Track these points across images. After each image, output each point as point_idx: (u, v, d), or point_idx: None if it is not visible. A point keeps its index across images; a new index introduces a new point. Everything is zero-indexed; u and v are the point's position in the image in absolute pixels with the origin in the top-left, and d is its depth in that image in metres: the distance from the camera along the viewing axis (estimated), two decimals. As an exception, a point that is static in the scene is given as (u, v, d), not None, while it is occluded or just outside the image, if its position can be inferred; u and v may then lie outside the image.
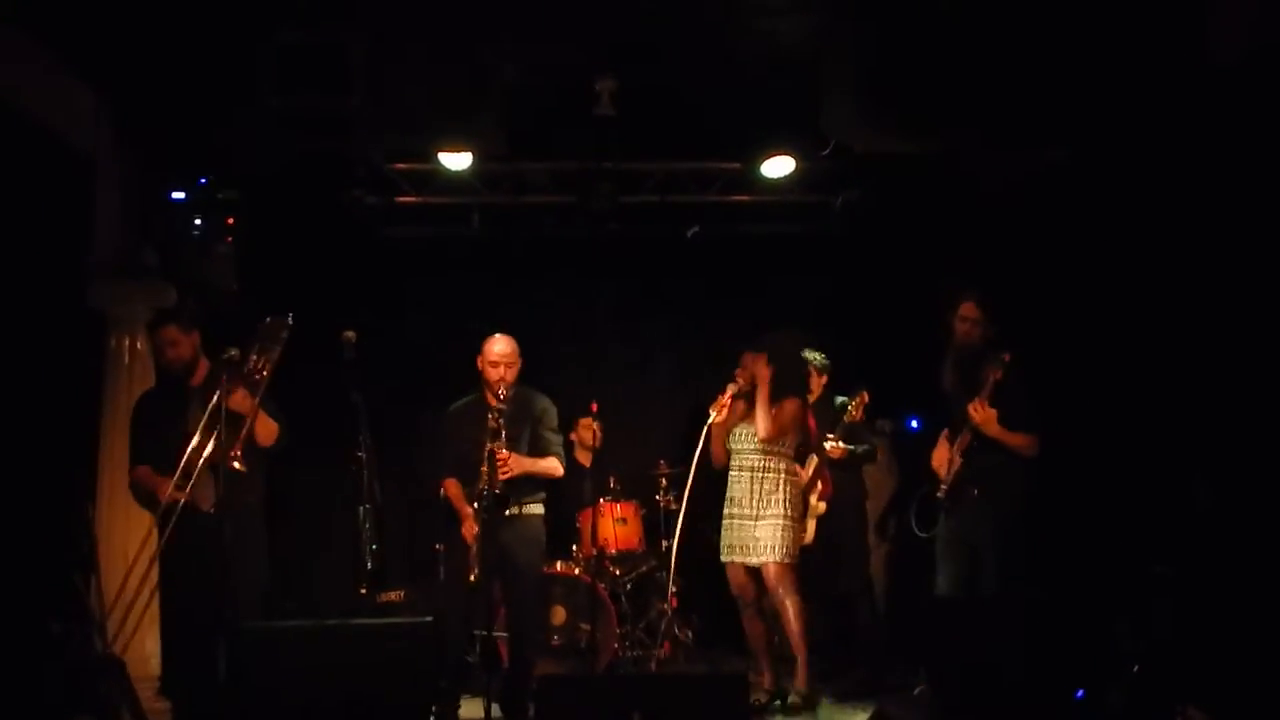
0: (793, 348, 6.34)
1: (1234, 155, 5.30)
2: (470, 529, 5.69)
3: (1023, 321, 5.86)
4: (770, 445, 6.04)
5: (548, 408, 5.98)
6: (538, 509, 5.93)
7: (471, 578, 5.57)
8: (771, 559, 5.96)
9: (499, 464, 5.56)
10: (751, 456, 6.09)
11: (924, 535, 5.84)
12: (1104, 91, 5.73)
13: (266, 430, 5.29)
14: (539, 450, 5.87)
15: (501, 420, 5.61)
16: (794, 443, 6.15)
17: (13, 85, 5.18)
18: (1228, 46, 5.18)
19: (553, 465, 5.91)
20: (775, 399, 6.02)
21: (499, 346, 5.83)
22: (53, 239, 5.61)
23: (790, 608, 5.96)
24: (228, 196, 6.62)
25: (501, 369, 5.76)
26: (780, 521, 5.98)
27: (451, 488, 5.89)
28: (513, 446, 5.70)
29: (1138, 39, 5.51)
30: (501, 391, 5.65)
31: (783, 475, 6.06)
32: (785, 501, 6.01)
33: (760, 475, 6.06)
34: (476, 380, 5.90)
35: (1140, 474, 5.79)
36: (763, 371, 6.03)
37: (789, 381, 6.11)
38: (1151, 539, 5.60)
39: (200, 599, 5.09)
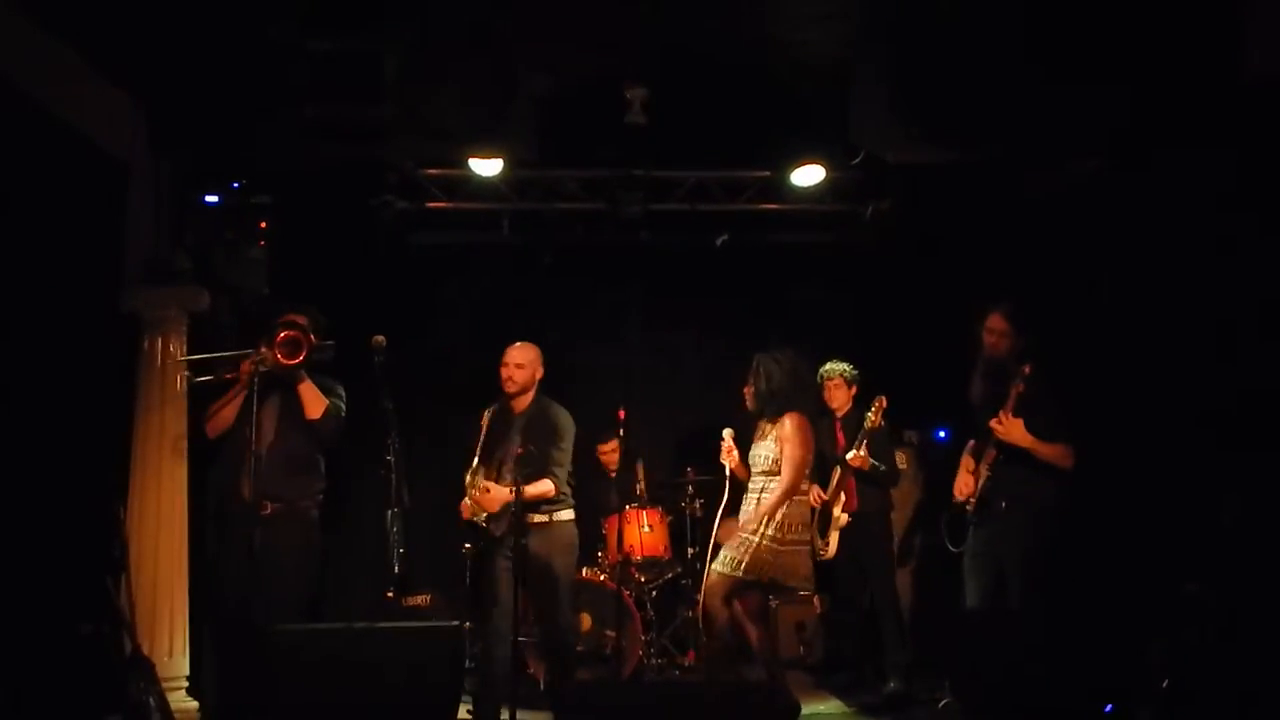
0: (777, 365, 5.91)
1: (1267, 169, 5.26)
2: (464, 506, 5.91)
3: (1053, 334, 5.83)
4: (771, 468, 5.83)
5: (562, 427, 5.97)
6: (566, 514, 5.94)
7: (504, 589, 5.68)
8: (718, 567, 5.77)
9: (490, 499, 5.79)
10: (758, 479, 5.90)
11: (954, 550, 5.81)
12: (1138, 103, 5.70)
13: (313, 400, 5.45)
14: (540, 465, 5.86)
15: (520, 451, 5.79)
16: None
17: (49, 91, 5.22)
18: (1262, 61, 5.15)
19: (544, 487, 5.84)
20: (775, 415, 5.86)
21: (511, 350, 6.02)
22: (87, 243, 5.65)
23: (714, 620, 5.83)
24: (260, 201, 6.67)
25: (510, 368, 5.95)
26: (751, 539, 5.71)
27: None
28: (525, 456, 5.83)
29: (1172, 51, 5.48)
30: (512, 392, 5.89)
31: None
32: (773, 523, 5.72)
33: (757, 496, 5.84)
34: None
35: (1170, 488, 5.74)
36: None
37: (786, 397, 5.88)
38: (1182, 553, 5.56)
39: (233, 600, 5.17)
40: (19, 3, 4.99)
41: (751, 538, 5.71)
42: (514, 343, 6.06)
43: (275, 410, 5.44)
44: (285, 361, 5.32)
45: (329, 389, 5.57)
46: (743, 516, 5.90)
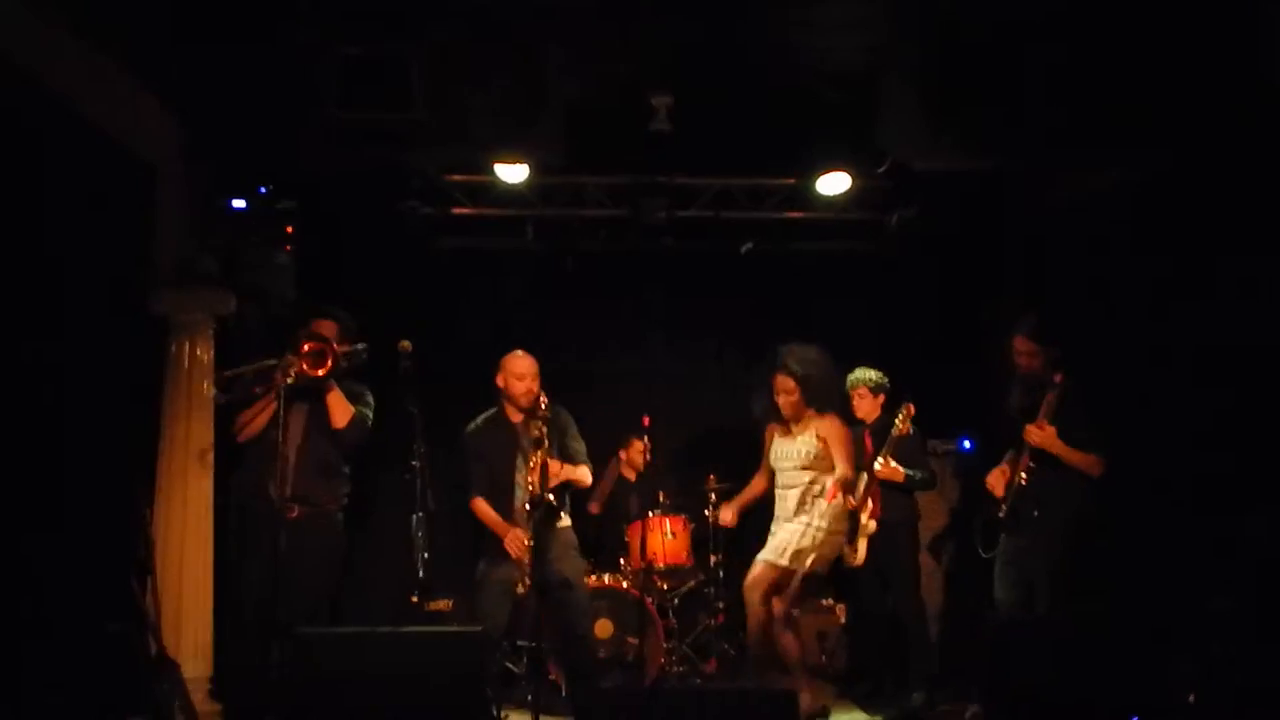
0: (814, 360, 6.11)
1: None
2: (514, 541, 5.75)
3: (1079, 344, 5.81)
4: (814, 462, 5.99)
5: (570, 419, 6.10)
6: (568, 520, 6.04)
7: (521, 589, 5.63)
8: (766, 556, 5.95)
9: (550, 474, 5.63)
10: (792, 474, 6.04)
11: (986, 555, 5.80)
12: (1162, 112, 5.68)
13: (340, 409, 5.51)
14: (570, 460, 5.97)
15: (545, 429, 5.67)
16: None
17: (80, 94, 5.26)
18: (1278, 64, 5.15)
19: (585, 474, 6.05)
20: (820, 411, 6.01)
21: (523, 362, 5.98)
22: (118, 245, 5.69)
23: (752, 617, 5.96)
24: (286, 205, 6.69)
25: (528, 381, 5.92)
26: (801, 527, 5.90)
27: (482, 506, 5.98)
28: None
29: (1193, 59, 5.47)
30: (542, 402, 5.75)
31: (823, 486, 5.97)
32: (820, 512, 5.92)
33: (802, 489, 5.99)
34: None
35: (1198, 501, 5.71)
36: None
37: (821, 394, 6.07)
38: (1209, 568, 5.52)
39: (257, 600, 5.19)
40: (52, 7, 5.02)
41: (801, 525, 5.87)
42: (512, 353, 6.05)
43: (304, 415, 5.48)
44: (311, 372, 5.34)
45: (357, 395, 5.60)
46: (779, 512, 6.02)
